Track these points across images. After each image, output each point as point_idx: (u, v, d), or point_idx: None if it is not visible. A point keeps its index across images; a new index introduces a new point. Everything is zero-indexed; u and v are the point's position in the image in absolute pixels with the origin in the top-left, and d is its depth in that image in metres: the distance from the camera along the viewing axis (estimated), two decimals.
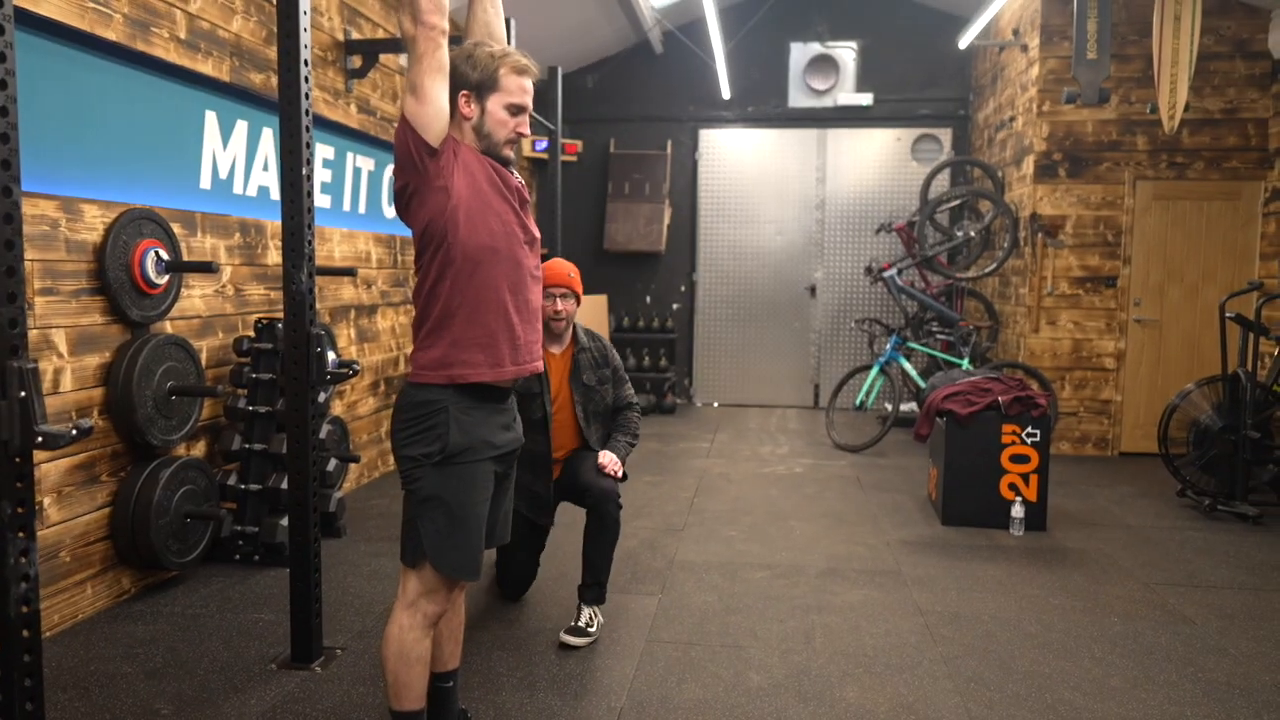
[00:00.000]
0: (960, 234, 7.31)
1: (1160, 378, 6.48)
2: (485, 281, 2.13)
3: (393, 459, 2.09)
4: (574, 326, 3.44)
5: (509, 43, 2.36)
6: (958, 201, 7.55)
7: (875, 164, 8.56)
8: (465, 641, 3.11)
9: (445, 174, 2.09)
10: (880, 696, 2.78)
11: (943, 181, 8.13)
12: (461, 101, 2.15)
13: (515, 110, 2.18)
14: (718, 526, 4.62)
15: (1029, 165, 6.58)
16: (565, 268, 3.34)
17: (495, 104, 2.16)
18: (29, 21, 2.90)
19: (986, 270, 7.02)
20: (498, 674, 2.90)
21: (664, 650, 3.11)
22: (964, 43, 7.34)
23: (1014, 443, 4.59)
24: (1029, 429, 4.58)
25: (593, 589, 3.28)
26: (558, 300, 3.30)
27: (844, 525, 4.68)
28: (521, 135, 2.21)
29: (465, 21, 2.40)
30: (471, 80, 2.14)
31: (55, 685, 2.70)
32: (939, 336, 7.13)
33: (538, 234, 2.31)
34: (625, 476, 3.39)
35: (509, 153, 2.21)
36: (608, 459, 3.32)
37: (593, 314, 7.94)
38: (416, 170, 2.08)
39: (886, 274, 7.19)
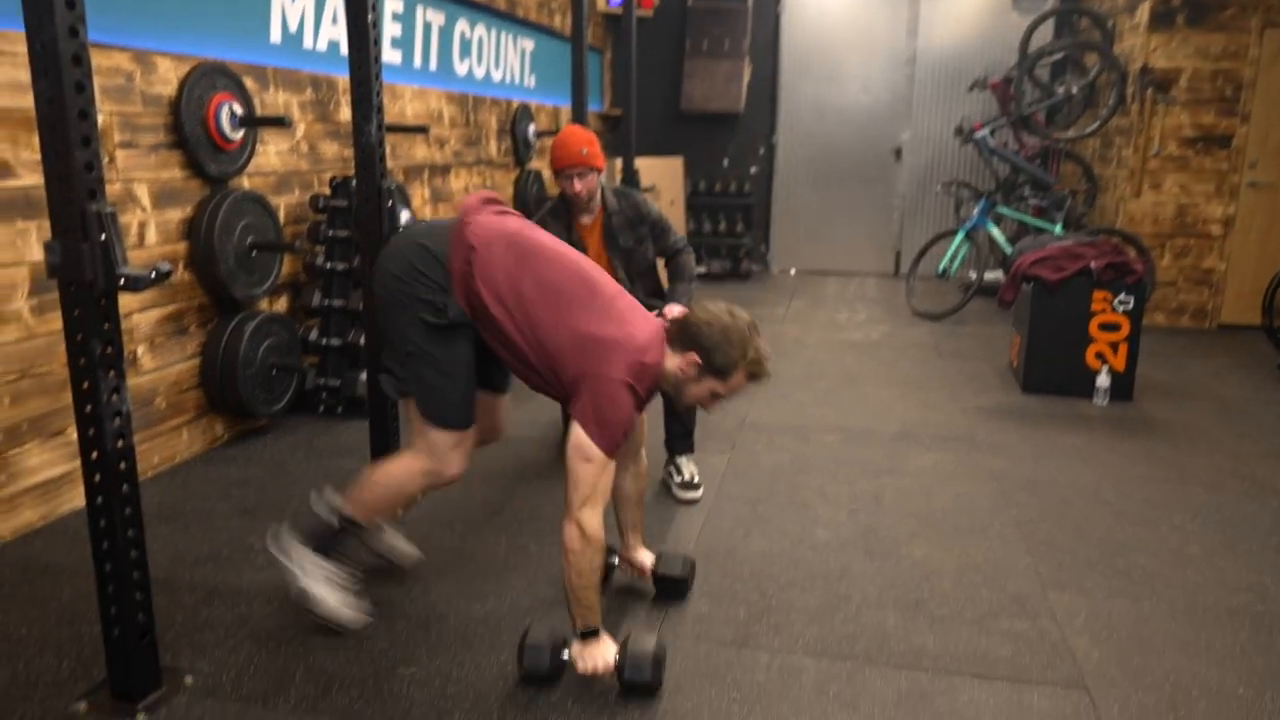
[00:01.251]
0: (1061, 90, 6.84)
1: (1271, 246, 6.08)
2: None
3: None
4: (601, 190, 3.33)
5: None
6: (1060, 55, 7.03)
7: (972, 15, 8.00)
8: (535, 493, 3.22)
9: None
10: (948, 555, 2.78)
11: (1045, 33, 7.55)
12: (689, 358, 2.12)
13: (719, 399, 2.18)
14: (790, 390, 4.60)
15: (1143, 13, 6.05)
16: (578, 144, 3.18)
17: (709, 386, 2.15)
18: None
19: (1087, 130, 6.59)
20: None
21: (732, 506, 3.15)
22: None
23: (1104, 310, 4.40)
24: (1121, 296, 4.37)
25: (683, 439, 3.32)
26: (575, 180, 3.19)
27: (920, 391, 4.61)
28: (706, 410, 2.26)
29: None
30: (707, 358, 2.10)
31: (156, 519, 2.88)
32: (1031, 201, 6.79)
33: None
34: None
35: (680, 409, 2.33)
36: (677, 311, 3.29)
37: (669, 176, 7.77)
38: None
39: (978, 135, 6.81)
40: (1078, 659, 2.22)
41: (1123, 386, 4.44)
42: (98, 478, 1.88)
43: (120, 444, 1.89)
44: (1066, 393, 4.50)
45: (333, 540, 2.33)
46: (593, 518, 2.03)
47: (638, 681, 2.02)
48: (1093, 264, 4.41)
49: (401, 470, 2.29)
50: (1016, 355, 4.82)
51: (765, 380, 2.19)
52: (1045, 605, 2.48)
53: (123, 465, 1.91)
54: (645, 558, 2.52)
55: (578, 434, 2.03)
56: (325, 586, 2.28)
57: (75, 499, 2.94)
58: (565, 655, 2.08)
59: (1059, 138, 6.85)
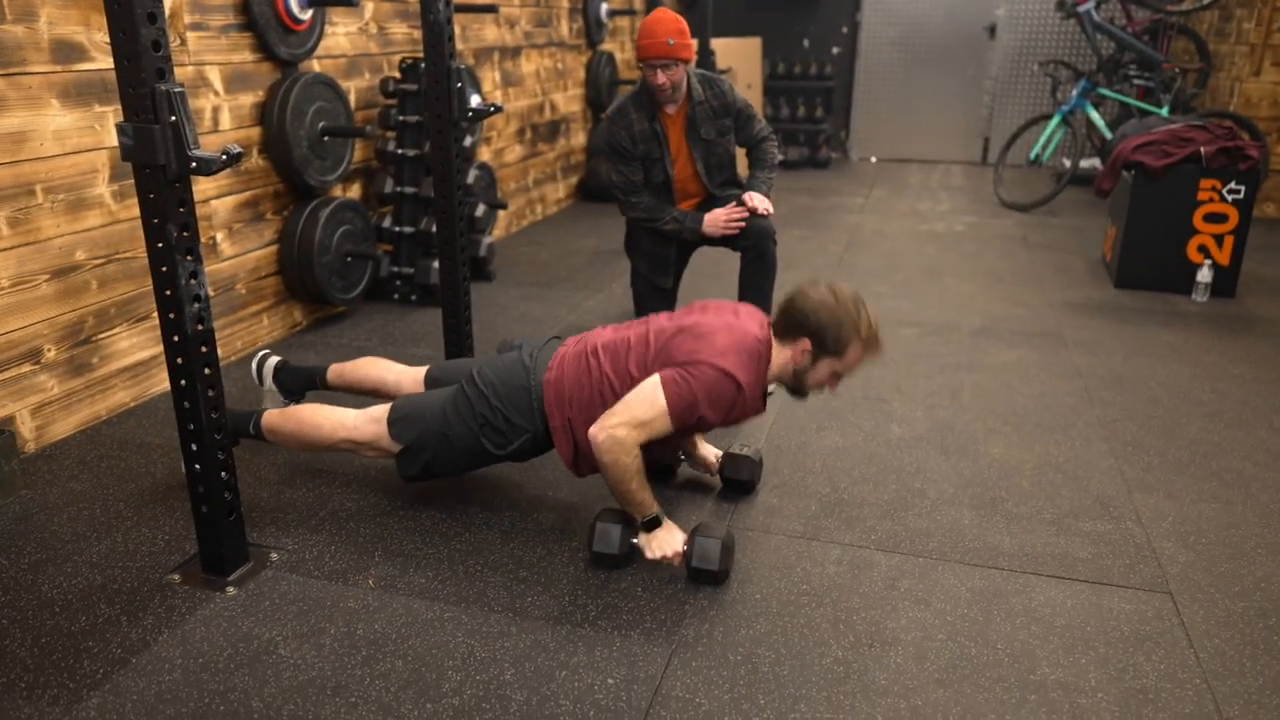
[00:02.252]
0: None
1: None
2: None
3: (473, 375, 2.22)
4: (687, 78, 3.18)
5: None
6: None
7: None
8: None
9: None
10: (1027, 454, 2.71)
11: None
12: (800, 346, 2.10)
13: (838, 377, 2.14)
14: (867, 282, 4.47)
15: None
16: (665, 33, 3.01)
17: (828, 366, 2.11)
18: None
19: (1205, 1, 6.05)
20: None
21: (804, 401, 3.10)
22: None
23: (1212, 200, 4.11)
24: (1232, 184, 4.08)
25: None
26: (659, 73, 3.05)
27: (1003, 284, 4.43)
28: (829, 391, 2.20)
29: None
30: (821, 340, 2.07)
31: (240, 402, 2.97)
32: (1136, 81, 6.33)
33: None
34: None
35: (807, 397, 2.21)
36: (757, 200, 3.19)
37: (745, 59, 7.45)
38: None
39: (1083, 8, 6.31)
40: (1162, 563, 2.15)
41: (1225, 282, 4.19)
42: (180, 360, 1.92)
43: (200, 327, 1.92)
44: (1163, 288, 4.27)
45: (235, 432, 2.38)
46: (629, 434, 2.01)
47: (705, 570, 2.03)
48: (1203, 149, 4.11)
49: (335, 424, 2.29)
50: (1110, 248, 4.57)
51: (875, 353, 2.14)
52: (1130, 507, 2.41)
53: (203, 348, 1.94)
54: (710, 455, 2.51)
55: (664, 376, 2.02)
56: None
57: (164, 381, 3.04)
58: (635, 540, 2.10)
59: (1173, 10, 6.31)
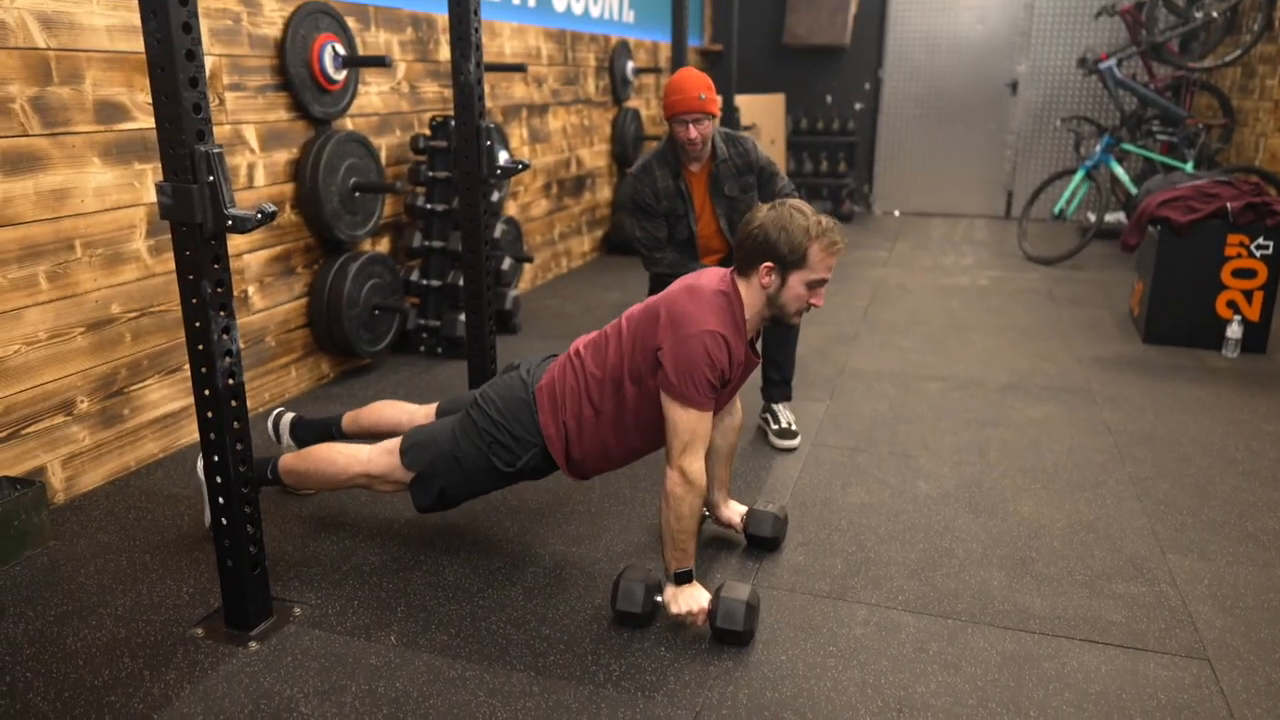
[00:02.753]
0: (1199, 15, 6.32)
1: None
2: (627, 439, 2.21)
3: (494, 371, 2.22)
4: (713, 136, 3.22)
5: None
6: None
7: None
8: None
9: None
10: (1058, 512, 2.66)
11: None
12: (763, 271, 2.09)
13: (816, 285, 2.12)
14: (892, 336, 4.46)
15: None
16: (695, 88, 3.05)
17: (797, 279, 2.10)
18: None
19: (1228, 58, 6.08)
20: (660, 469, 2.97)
21: (829, 455, 3.08)
22: None
23: (1240, 255, 4.09)
24: (1260, 240, 4.05)
25: (781, 386, 3.26)
26: (690, 127, 3.07)
27: (1030, 339, 4.41)
28: (814, 306, 2.16)
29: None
30: (779, 253, 2.07)
31: (266, 453, 2.98)
32: (1160, 137, 6.34)
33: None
34: None
35: (796, 320, 2.19)
36: None
37: (769, 114, 7.55)
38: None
39: (1104, 65, 6.36)
40: (1199, 627, 2.10)
41: (1256, 338, 4.15)
42: (210, 414, 1.94)
43: (231, 381, 1.94)
44: (1192, 344, 4.23)
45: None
46: (694, 463, 2.02)
47: (730, 630, 2.00)
48: (1229, 205, 4.10)
49: (349, 459, 2.30)
50: (1138, 303, 4.55)
51: (843, 246, 2.13)
52: (1164, 569, 2.36)
53: (233, 402, 1.96)
54: (735, 513, 2.50)
55: (671, 388, 2.02)
56: None
57: (193, 432, 3.07)
58: (659, 598, 2.08)
59: (1195, 67, 6.35)
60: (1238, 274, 4.11)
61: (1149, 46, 6.28)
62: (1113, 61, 6.36)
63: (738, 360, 2.11)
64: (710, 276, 2.16)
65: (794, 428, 3.18)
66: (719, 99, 3.20)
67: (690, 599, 2.05)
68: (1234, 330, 4.10)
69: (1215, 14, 6.22)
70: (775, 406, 3.24)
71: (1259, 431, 3.27)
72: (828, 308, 4.96)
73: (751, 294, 2.13)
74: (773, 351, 3.26)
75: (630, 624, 2.09)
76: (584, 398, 2.18)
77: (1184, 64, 6.37)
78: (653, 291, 3.48)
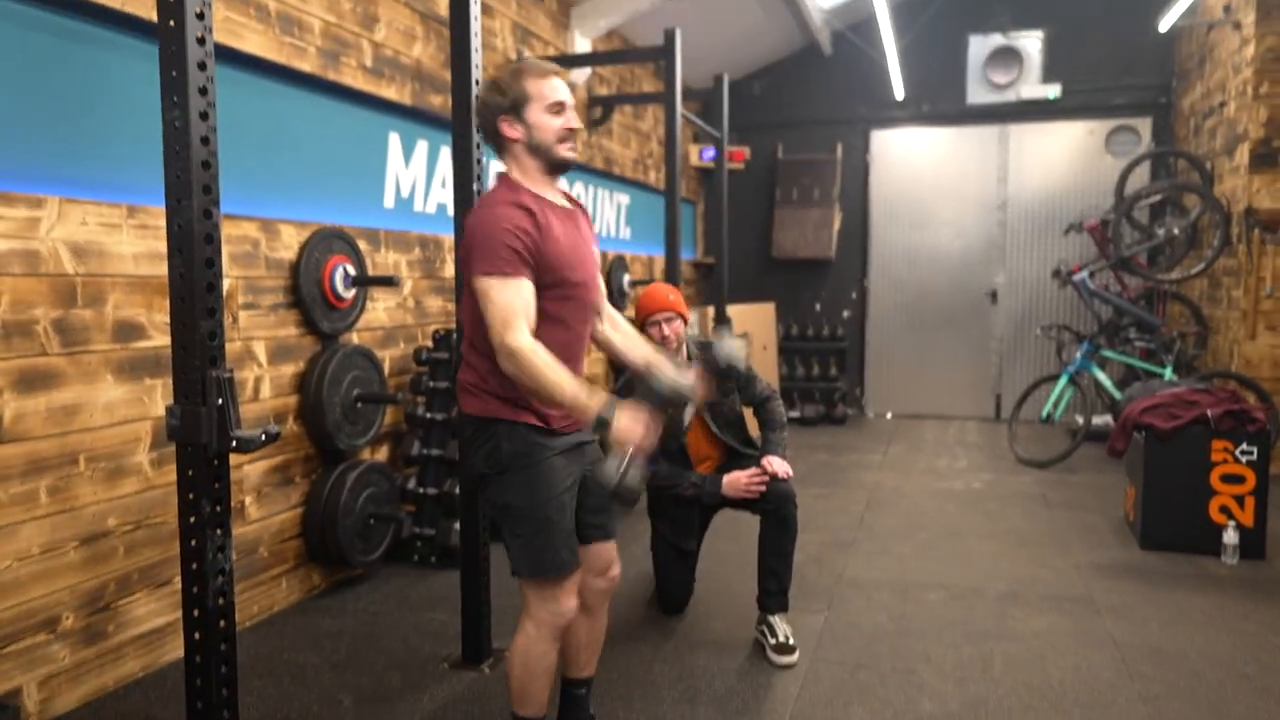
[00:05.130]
0: (1162, 232, 6.71)
1: None
2: (548, 338, 2.11)
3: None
4: (685, 344, 3.37)
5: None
6: (1159, 197, 6.94)
7: (1064, 160, 8.02)
8: (625, 653, 3.13)
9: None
10: None
11: (1141, 175, 7.51)
12: (505, 128, 2.17)
13: (557, 109, 2.17)
14: (889, 543, 4.43)
15: (1243, 154, 5.97)
16: (664, 291, 3.29)
17: (534, 113, 2.16)
18: (233, 57, 3.15)
19: (1192, 271, 6.41)
20: (658, 686, 2.89)
21: (830, 671, 3.00)
22: (1165, 25, 6.75)
23: (1226, 461, 4.15)
24: (1244, 446, 4.12)
25: (778, 597, 3.22)
26: (663, 325, 3.25)
27: (1028, 545, 4.38)
28: (573, 131, 2.19)
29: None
30: (504, 105, 2.16)
31: (251, 672, 2.90)
32: (1137, 344, 6.57)
33: (595, 293, 2.30)
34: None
35: (567, 153, 2.19)
36: (776, 464, 3.25)
37: (761, 322, 7.84)
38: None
39: (1077, 277, 6.70)
40: None
41: (1253, 543, 4.13)
42: (197, 635, 1.92)
43: (221, 601, 1.93)
44: (1190, 549, 4.20)
45: None
46: (518, 336, 2.00)
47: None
48: (1209, 411, 4.20)
49: (523, 643, 2.22)
50: (1132, 508, 4.56)
51: (552, 68, 2.17)
52: None
53: (222, 623, 1.94)
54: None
55: (473, 267, 2.05)
56: None
57: (176, 649, 2.99)
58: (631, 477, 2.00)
59: (1163, 279, 6.68)
60: (1226, 479, 4.15)
61: (1118, 260, 6.63)
62: (1085, 273, 6.70)
63: (546, 218, 2.10)
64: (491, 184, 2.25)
65: (792, 642, 3.11)
66: (686, 307, 3.38)
67: (631, 430, 1.99)
68: (1230, 536, 4.08)
69: (1176, 230, 6.61)
70: (772, 618, 3.18)
71: (1268, 644, 3.19)
72: (825, 512, 4.95)
73: (517, 160, 2.18)
74: (770, 559, 3.24)
75: (624, 498, 2.03)
76: (475, 355, 2.18)
77: (1152, 276, 6.70)
78: (652, 500, 3.48)
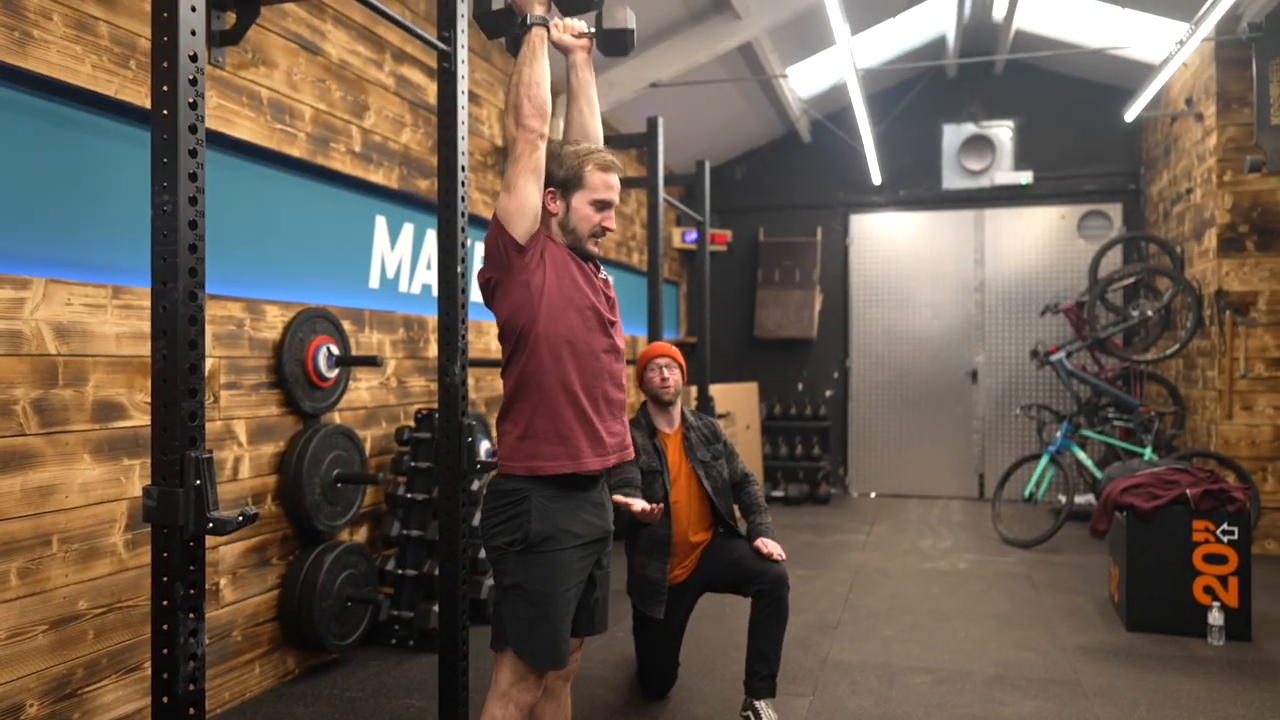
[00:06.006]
0: (1136, 314, 6.86)
1: None
2: (561, 375, 2.18)
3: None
4: (681, 408, 3.51)
5: (600, 142, 2.50)
6: (1132, 280, 7.11)
7: (1038, 243, 8.22)
8: None
9: (529, 269, 2.17)
10: None
11: (1114, 259, 7.70)
12: (547, 199, 2.24)
13: (600, 206, 2.26)
14: (874, 625, 4.38)
15: (1211, 239, 6.14)
16: (664, 345, 3.51)
17: (580, 200, 2.24)
18: (224, 143, 3.23)
19: (1167, 352, 6.52)
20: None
21: None
22: (1130, 115, 7.00)
23: (1208, 540, 4.16)
24: (1225, 525, 4.14)
25: (767, 681, 3.17)
26: (663, 370, 3.42)
27: (1013, 627, 4.34)
28: (606, 229, 2.28)
29: (563, 124, 2.52)
30: (557, 178, 2.23)
31: None
32: (1116, 423, 6.64)
33: (621, 342, 2.38)
34: None
35: (593, 247, 2.29)
36: (771, 546, 3.24)
37: (744, 402, 7.88)
38: (501, 265, 2.19)
39: (1054, 357, 6.80)
40: None
41: (1238, 624, 4.11)
42: None
43: (192, 688, 1.89)
44: (1176, 630, 4.18)
45: None
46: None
47: (615, 29, 2.23)
48: (1189, 491, 4.23)
49: None
50: (1116, 589, 4.54)
51: (616, 167, 2.24)
52: None
53: (191, 710, 1.90)
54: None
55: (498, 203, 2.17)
56: None
57: None
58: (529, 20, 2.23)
59: (1139, 360, 6.78)
60: (1209, 559, 4.15)
61: (1094, 341, 6.74)
62: (1062, 354, 6.80)
63: (562, 251, 2.22)
64: None
65: None
66: (684, 365, 3.51)
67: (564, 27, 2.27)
68: (1215, 617, 4.07)
69: (1150, 312, 6.75)
70: (758, 704, 3.13)
71: None
72: (809, 594, 4.90)
73: (546, 226, 2.24)
74: (760, 643, 3.20)
75: (487, 26, 2.28)
76: (508, 423, 2.24)
77: (1128, 357, 6.81)
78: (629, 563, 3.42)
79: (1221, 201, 6.03)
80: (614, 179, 2.27)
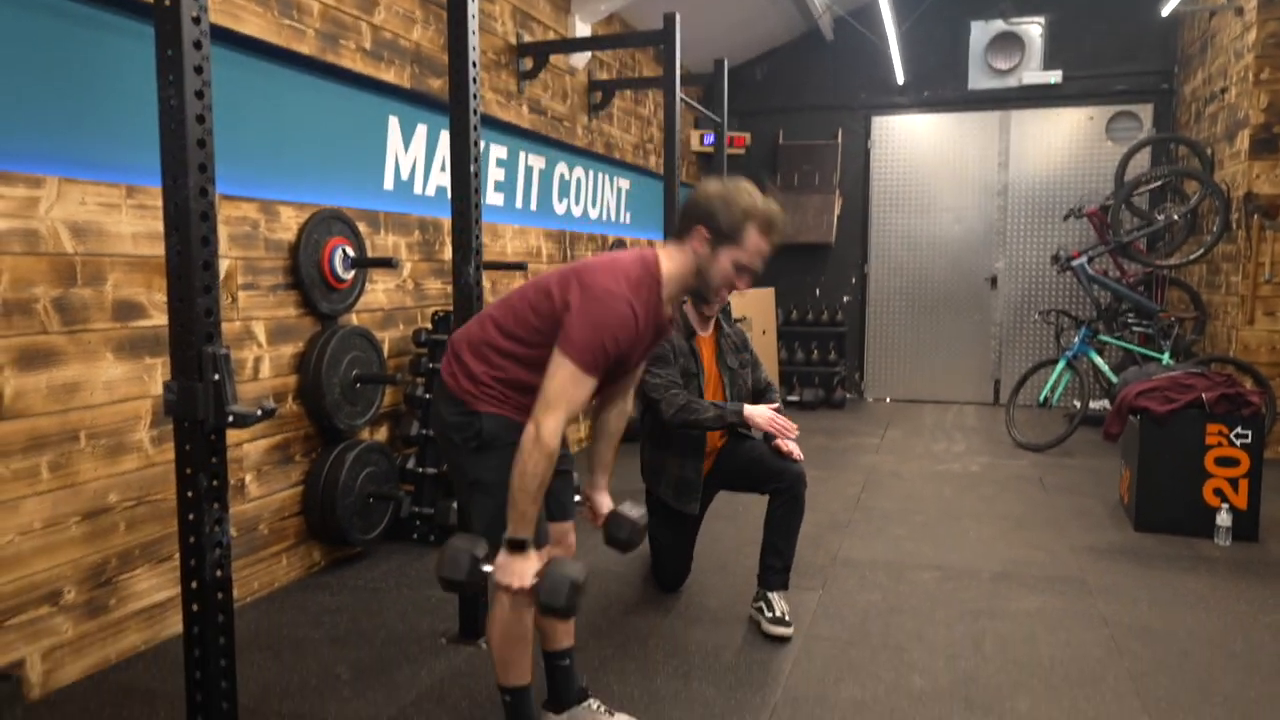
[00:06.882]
0: (1162, 218, 6.72)
1: None
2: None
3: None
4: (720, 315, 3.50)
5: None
6: (1159, 182, 6.94)
7: (1064, 145, 8.01)
8: (620, 628, 3.17)
9: None
10: (1056, 710, 2.60)
11: (1142, 161, 7.51)
12: (697, 236, 2.13)
13: (742, 269, 2.17)
14: (885, 524, 4.46)
15: (1244, 140, 5.96)
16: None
17: (728, 257, 2.14)
18: (232, 39, 3.17)
19: (1191, 257, 6.41)
20: (654, 661, 2.93)
21: (822, 647, 3.04)
22: (1166, 10, 6.73)
23: (1220, 444, 4.17)
24: (1239, 429, 4.14)
25: (780, 574, 3.25)
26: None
27: (1023, 528, 4.41)
28: (734, 290, 2.21)
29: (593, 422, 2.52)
30: (717, 224, 2.11)
31: (251, 646, 2.95)
32: (1136, 329, 6.59)
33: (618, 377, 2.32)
34: None
35: (715, 299, 2.25)
36: (791, 445, 3.29)
37: (760, 307, 7.86)
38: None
39: (1076, 262, 6.71)
40: None
41: (1246, 525, 4.15)
42: (195, 607, 1.95)
43: (219, 574, 1.97)
44: (1183, 531, 4.23)
45: (521, 713, 2.31)
46: (551, 422, 2.00)
47: (553, 606, 2.00)
48: (1204, 395, 4.22)
49: (497, 613, 2.24)
50: (1127, 491, 4.58)
51: (777, 230, 2.13)
52: None
53: (220, 595, 1.97)
54: (603, 503, 2.50)
55: (567, 343, 2.01)
56: None
57: (177, 623, 3.03)
58: (486, 568, 2.06)
59: (1162, 265, 6.68)
60: (1220, 462, 4.17)
61: (1117, 246, 6.63)
62: (1084, 259, 6.70)
63: (644, 327, 2.10)
64: (633, 251, 2.18)
65: (788, 617, 3.14)
66: None
67: (518, 570, 2.02)
68: (1223, 518, 4.11)
69: (1176, 216, 6.62)
70: (770, 595, 3.21)
71: (1257, 623, 3.23)
72: (822, 495, 4.98)
73: (681, 258, 2.15)
74: (775, 536, 3.27)
75: (454, 590, 2.10)
76: (494, 352, 2.18)
77: (1151, 262, 6.71)
78: (652, 458, 3.48)
79: (1257, 101, 5.83)
80: (768, 247, 2.16)
